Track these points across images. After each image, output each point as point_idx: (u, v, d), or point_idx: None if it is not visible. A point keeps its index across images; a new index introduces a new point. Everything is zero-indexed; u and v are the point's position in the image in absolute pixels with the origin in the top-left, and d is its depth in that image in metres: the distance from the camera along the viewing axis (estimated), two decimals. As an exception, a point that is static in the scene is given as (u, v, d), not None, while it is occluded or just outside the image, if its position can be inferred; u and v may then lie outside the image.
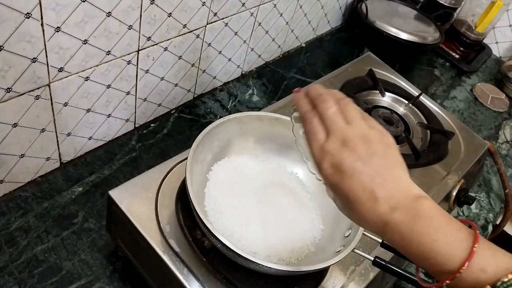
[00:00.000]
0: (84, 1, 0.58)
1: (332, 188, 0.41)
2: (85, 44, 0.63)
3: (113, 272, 0.66)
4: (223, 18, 0.85)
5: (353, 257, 0.61)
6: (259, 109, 0.96)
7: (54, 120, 0.68)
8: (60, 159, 0.75)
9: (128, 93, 0.78)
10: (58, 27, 0.58)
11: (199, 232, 0.57)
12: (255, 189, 0.61)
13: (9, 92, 0.58)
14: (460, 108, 1.26)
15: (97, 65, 0.68)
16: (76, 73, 0.66)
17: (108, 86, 0.73)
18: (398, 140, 0.83)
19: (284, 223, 0.60)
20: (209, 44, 0.87)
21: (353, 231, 0.56)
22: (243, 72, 1.06)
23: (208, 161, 0.62)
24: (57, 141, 0.72)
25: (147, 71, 0.78)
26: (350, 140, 0.40)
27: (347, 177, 0.39)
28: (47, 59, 0.60)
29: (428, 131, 0.88)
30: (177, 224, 0.58)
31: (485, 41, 1.50)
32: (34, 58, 0.58)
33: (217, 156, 0.63)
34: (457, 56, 1.42)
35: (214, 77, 0.97)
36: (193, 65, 0.87)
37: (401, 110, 0.92)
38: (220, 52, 0.92)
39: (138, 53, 0.73)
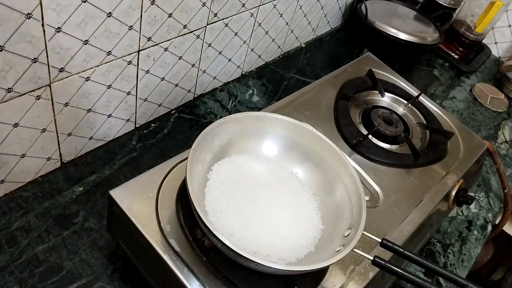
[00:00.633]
0: (84, 2, 0.59)
1: None
2: (85, 44, 0.63)
3: (114, 271, 0.67)
4: (223, 19, 0.85)
5: (352, 256, 0.61)
6: (259, 109, 0.96)
7: (55, 120, 0.68)
8: (61, 159, 0.75)
9: (128, 93, 0.78)
10: (58, 27, 0.58)
11: (199, 231, 0.58)
12: (255, 189, 0.61)
13: (10, 92, 0.59)
14: (460, 108, 1.26)
15: (97, 66, 0.68)
16: (77, 74, 0.66)
17: (109, 87, 0.73)
18: (398, 140, 0.84)
19: (284, 223, 0.60)
20: (209, 45, 0.87)
21: (353, 231, 0.57)
22: (243, 73, 1.06)
23: (208, 161, 0.62)
24: (58, 141, 0.72)
25: (147, 72, 0.78)
26: None
27: None
28: (47, 60, 0.60)
29: (428, 131, 0.89)
30: (177, 224, 0.58)
31: (485, 41, 1.51)
32: (35, 58, 0.58)
33: (217, 156, 0.63)
34: (456, 57, 1.42)
35: (214, 77, 0.97)
36: (193, 65, 0.88)
37: (400, 110, 0.92)
38: (220, 53, 0.92)
39: (138, 53, 0.73)
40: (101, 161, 0.79)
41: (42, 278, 0.63)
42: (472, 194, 0.98)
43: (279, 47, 1.12)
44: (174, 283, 0.55)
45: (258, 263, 0.49)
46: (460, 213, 0.99)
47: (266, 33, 1.02)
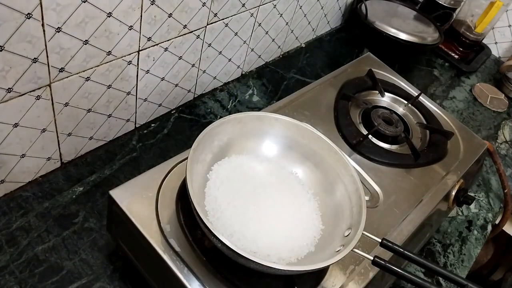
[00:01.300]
0: (84, 2, 0.59)
1: None
2: (85, 44, 0.63)
3: (114, 271, 0.67)
4: (223, 19, 0.85)
5: (352, 256, 0.61)
6: (259, 109, 0.96)
7: (55, 120, 0.68)
8: (61, 159, 0.75)
9: (128, 93, 0.78)
10: (58, 27, 0.58)
11: (199, 231, 0.58)
12: (255, 189, 0.61)
13: (10, 92, 0.59)
14: (459, 108, 1.26)
15: (97, 66, 0.68)
16: (77, 74, 0.66)
17: (109, 87, 0.73)
18: (398, 140, 0.84)
19: (284, 223, 0.60)
20: (209, 45, 0.87)
21: (353, 231, 0.57)
22: (243, 73, 1.06)
23: (208, 161, 0.62)
24: (58, 141, 0.72)
25: (147, 72, 0.78)
26: None
27: None
28: (47, 60, 0.60)
29: (428, 131, 0.89)
30: (177, 224, 0.58)
31: (484, 41, 1.51)
32: (35, 58, 0.58)
33: (217, 156, 0.63)
34: (456, 56, 1.42)
35: (214, 77, 0.97)
36: (193, 65, 0.88)
37: (400, 110, 0.92)
38: (220, 53, 0.92)
39: (138, 53, 0.73)
40: (101, 161, 0.79)
41: (42, 278, 0.63)
42: (472, 194, 0.98)
43: (279, 47, 1.12)
44: (174, 283, 0.55)
45: (258, 263, 0.49)
46: (460, 213, 0.99)
47: (266, 33, 1.02)
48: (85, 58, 0.65)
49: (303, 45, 1.22)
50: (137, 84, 0.78)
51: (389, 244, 0.57)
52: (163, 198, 0.60)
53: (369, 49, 1.23)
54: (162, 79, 0.83)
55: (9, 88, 0.58)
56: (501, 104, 1.34)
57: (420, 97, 0.94)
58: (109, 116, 0.78)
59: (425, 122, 0.90)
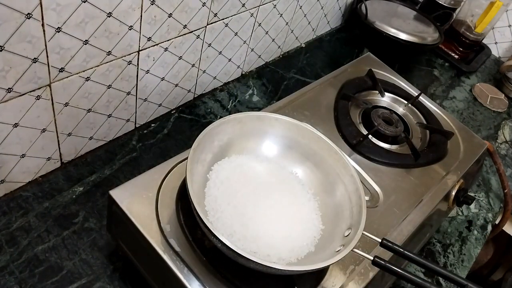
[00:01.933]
0: (84, 2, 0.59)
1: None
2: (85, 44, 0.63)
3: (114, 271, 0.67)
4: (223, 19, 0.85)
5: (352, 256, 0.61)
6: (259, 109, 0.96)
7: (55, 120, 0.68)
8: (61, 159, 0.75)
9: (128, 93, 0.78)
10: (58, 27, 0.58)
11: (199, 231, 0.58)
12: (255, 189, 0.61)
13: (10, 92, 0.59)
14: (460, 108, 1.26)
15: (97, 66, 0.68)
16: (77, 74, 0.66)
17: (109, 87, 0.73)
18: (398, 140, 0.84)
19: (284, 223, 0.60)
20: (209, 45, 0.87)
21: (353, 231, 0.57)
22: (243, 73, 1.06)
23: (208, 161, 0.62)
24: (58, 141, 0.72)
25: (147, 72, 0.78)
26: None
27: None
28: (47, 60, 0.60)
29: (428, 131, 0.89)
30: (177, 224, 0.58)
31: (484, 41, 1.51)
32: (35, 58, 0.58)
33: (217, 156, 0.63)
34: (456, 57, 1.42)
35: (214, 77, 0.97)
36: (193, 65, 0.88)
37: (400, 110, 0.92)
38: (220, 53, 0.92)
39: (138, 53, 0.73)
40: (101, 161, 0.79)
41: (42, 278, 0.63)
42: (472, 194, 0.98)
43: (279, 47, 1.12)
44: (174, 283, 0.55)
45: (258, 263, 0.49)
46: (460, 213, 0.99)
47: (266, 33, 1.02)
48: (85, 58, 0.65)
49: (303, 45, 1.22)
50: (137, 84, 0.78)
51: (389, 244, 0.57)
52: (163, 198, 0.60)
53: (369, 49, 1.23)
54: (162, 79, 0.83)
55: (9, 88, 0.58)
56: (501, 104, 1.34)
57: (420, 97, 0.94)
58: (109, 116, 0.78)
59: (425, 122, 0.90)
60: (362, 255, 0.55)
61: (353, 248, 0.53)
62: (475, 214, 1.00)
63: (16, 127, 0.63)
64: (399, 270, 0.54)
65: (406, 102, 0.93)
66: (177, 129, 0.89)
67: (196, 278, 0.54)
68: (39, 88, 0.62)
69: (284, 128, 0.67)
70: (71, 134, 0.73)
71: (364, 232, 0.56)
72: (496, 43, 1.52)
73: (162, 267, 0.55)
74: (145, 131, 0.86)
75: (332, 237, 0.60)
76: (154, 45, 0.75)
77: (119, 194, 0.59)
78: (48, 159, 0.72)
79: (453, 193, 0.81)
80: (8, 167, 0.67)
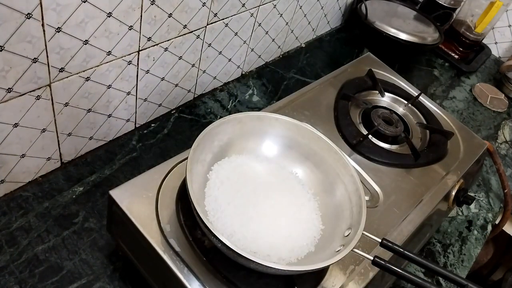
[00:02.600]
0: (84, 2, 0.59)
1: None
2: (85, 44, 0.63)
3: (114, 271, 0.67)
4: (223, 19, 0.85)
5: (352, 256, 0.61)
6: (259, 109, 0.96)
7: (55, 120, 0.68)
8: (61, 159, 0.75)
9: (128, 93, 0.78)
10: (58, 27, 0.58)
11: (199, 231, 0.58)
12: (255, 189, 0.61)
13: (10, 92, 0.59)
14: (460, 108, 1.26)
15: (97, 66, 0.68)
16: (77, 74, 0.66)
17: (109, 87, 0.73)
18: (398, 140, 0.84)
19: (284, 223, 0.60)
20: (209, 45, 0.87)
21: (353, 231, 0.57)
22: (243, 73, 1.06)
23: (208, 161, 0.62)
24: (58, 141, 0.72)
25: (147, 72, 0.78)
26: None
27: None
28: (47, 60, 0.60)
29: (428, 131, 0.89)
30: (177, 224, 0.58)
31: (484, 41, 1.51)
32: (35, 58, 0.58)
33: (217, 156, 0.63)
34: (456, 57, 1.42)
35: (214, 77, 0.97)
36: (193, 65, 0.88)
37: (400, 110, 0.92)
38: (220, 53, 0.92)
39: (138, 53, 0.73)
40: (101, 161, 0.79)
41: (42, 278, 0.63)
42: (472, 194, 0.98)
43: (279, 47, 1.12)
44: (174, 283, 0.55)
45: (258, 263, 0.49)
46: (460, 213, 0.99)
47: (266, 33, 1.02)
48: (85, 58, 0.65)
49: (303, 45, 1.22)
50: (137, 84, 0.78)
51: (389, 244, 0.57)
52: (163, 198, 0.60)
53: (369, 49, 1.23)
54: (162, 79, 0.83)
55: (9, 88, 0.58)
56: (501, 104, 1.34)
57: (420, 97, 0.94)
58: (109, 116, 0.78)
59: (425, 122, 0.90)
60: (362, 255, 0.55)
61: (353, 248, 0.53)
62: (475, 214, 1.00)
63: (16, 127, 0.63)
64: (399, 270, 0.54)
65: (406, 102, 0.93)
66: (177, 129, 0.89)
67: (196, 278, 0.54)
68: (39, 88, 0.62)
69: (284, 128, 0.67)
70: (71, 134, 0.73)
71: (364, 232, 0.56)
72: (496, 43, 1.52)
73: (162, 267, 0.55)
74: (145, 131, 0.86)
75: (332, 237, 0.60)
76: (154, 45, 0.75)
77: (119, 194, 0.59)
78: (48, 159, 0.72)
79: (453, 193, 0.81)
80: (8, 167, 0.67)
